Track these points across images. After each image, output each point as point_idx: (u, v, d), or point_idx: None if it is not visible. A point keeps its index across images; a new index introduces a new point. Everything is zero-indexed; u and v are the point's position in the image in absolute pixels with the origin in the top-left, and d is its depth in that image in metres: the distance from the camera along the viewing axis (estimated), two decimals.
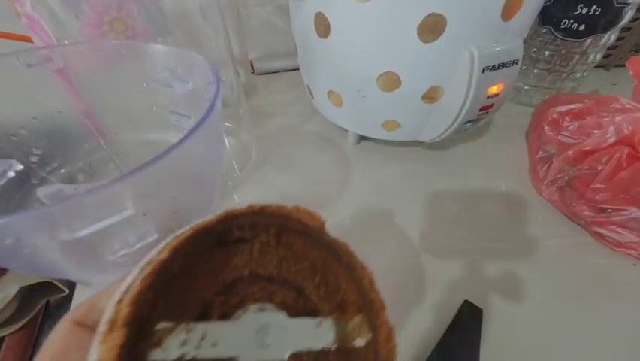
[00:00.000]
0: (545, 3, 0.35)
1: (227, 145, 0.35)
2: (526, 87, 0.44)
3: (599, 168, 0.26)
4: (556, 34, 0.37)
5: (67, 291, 0.42)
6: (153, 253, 0.11)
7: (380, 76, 0.27)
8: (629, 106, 0.29)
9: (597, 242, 0.27)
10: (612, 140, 0.26)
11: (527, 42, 0.40)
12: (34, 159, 0.22)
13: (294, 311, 0.12)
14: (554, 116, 0.32)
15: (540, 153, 0.32)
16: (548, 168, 0.30)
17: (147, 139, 0.26)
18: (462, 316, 0.22)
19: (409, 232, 0.28)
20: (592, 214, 0.26)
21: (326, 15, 0.26)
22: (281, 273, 0.13)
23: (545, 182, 0.30)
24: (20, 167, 0.19)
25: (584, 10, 0.34)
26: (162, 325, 0.10)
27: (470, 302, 0.22)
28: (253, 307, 0.12)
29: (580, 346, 0.21)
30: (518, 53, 0.26)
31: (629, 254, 0.26)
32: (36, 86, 0.22)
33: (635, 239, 0.25)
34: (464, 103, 0.26)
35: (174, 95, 0.22)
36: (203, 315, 0.11)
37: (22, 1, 0.23)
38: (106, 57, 0.23)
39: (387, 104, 0.29)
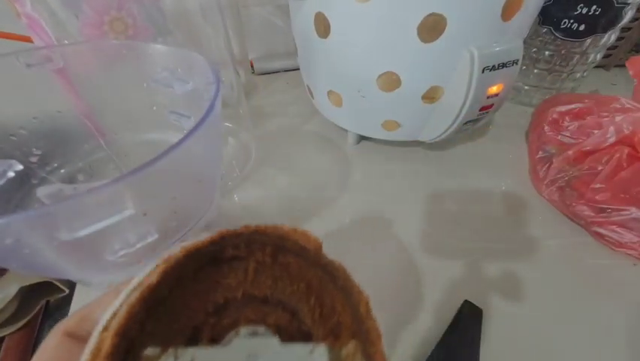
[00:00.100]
0: (545, 3, 0.35)
1: (227, 145, 0.35)
2: (526, 87, 0.44)
3: (599, 168, 0.26)
4: (556, 34, 0.37)
5: (67, 291, 0.42)
6: (142, 275, 0.10)
7: (380, 76, 0.27)
8: (629, 106, 0.29)
9: (597, 242, 0.27)
10: (612, 140, 0.27)
11: (527, 42, 0.40)
12: (34, 159, 0.22)
13: (287, 334, 0.12)
14: (554, 116, 0.32)
15: (540, 153, 0.32)
16: (548, 168, 0.30)
17: (147, 139, 0.26)
18: (462, 316, 0.22)
19: (409, 231, 0.28)
20: (592, 214, 0.26)
21: (326, 15, 0.26)
22: (275, 294, 0.12)
23: (545, 182, 0.30)
24: (20, 167, 0.19)
25: (584, 10, 0.34)
26: (150, 350, 0.10)
27: (470, 302, 0.22)
28: (245, 330, 0.12)
29: (580, 346, 0.21)
30: (518, 53, 0.26)
31: (629, 254, 0.26)
32: (36, 86, 0.22)
33: (635, 239, 0.25)
34: (464, 103, 0.26)
35: (174, 95, 0.22)
36: (193, 338, 0.11)
37: (22, 1, 0.23)
38: (106, 57, 0.23)
39: (387, 104, 0.29)
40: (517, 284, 0.24)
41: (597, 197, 0.26)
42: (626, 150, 0.26)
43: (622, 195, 0.25)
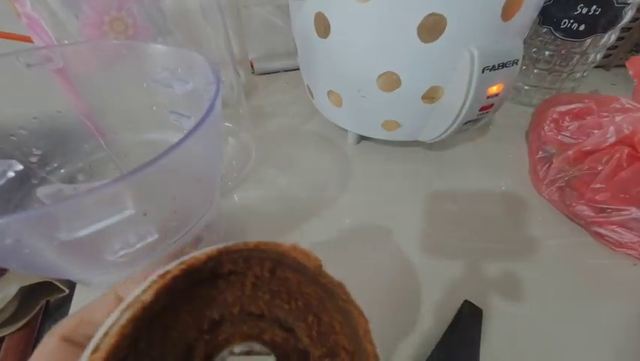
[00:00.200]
0: (545, 3, 0.35)
1: (227, 145, 0.35)
2: (526, 87, 0.44)
3: (599, 168, 0.26)
4: (556, 34, 0.37)
5: (67, 291, 0.42)
6: (137, 291, 0.10)
7: (380, 76, 0.27)
8: (629, 106, 0.29)
9: (597, 242, 0.27)
10: (612, 140, 0.27)
11: (527, 42, 0.40)
12: (34, 159, 0.22)
13: (283, 352, 0.12)
14: (554, 116, 0.32)
15: (540, 153, 0.32)
16: (548, 168, 0.30)
17: (147, 139, 0.26)
18: (462, 316, 0.22)
19: (409, 232, 0.28)
20: (592, 214, 0.26)
21: (326, 15, 0.26)
22: (273, 310, 0.12)
23: (545, 182, 0.30)
24: (20, 167, 0.19)
25: (584, 10, 0.34)
26: None
27: (470, 302, 0.22)
28: (240, 347, 0.12)
29: (580, 346, 0.21)
30: (518, 53, 0.26)
31: (629, 254, 0.26)
32: (36, 86, 0.22)
33: (635, 239, 0.25)
34: (464, 103, 0.26)
35: (174, 95, 0.22)
36: (187, 356, 0.11)
37: (22, 1, 0.23)
38: (106, 57, 0.23)
39: (387, 104, 0.29)
40: (517, 284, 0.24)
41: (597, 197, 0.26)
42: (626, 150, 0.26)
43: (622, 195, 0.25)
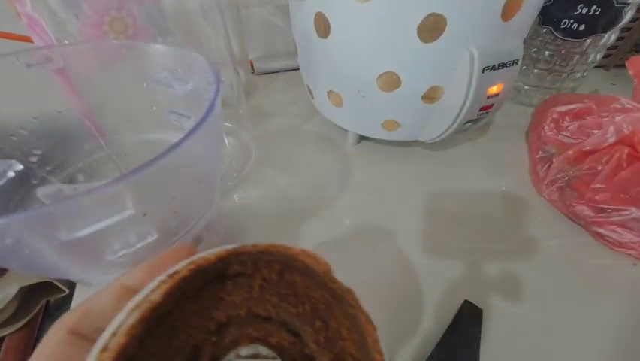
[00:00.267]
0: (545, 3, 0.35)
1: (227, 145, 0.35)
2: (526, 87, 0.44)
3: (599, 168, 0.27)
4: (556, 34, 0.37)
5: (67, 291, 0.42)
6: (145, 291, 0.10)
7: (380, 76, 0.27)
8: (629, 106, 0.29)
9: (597, 242, 0.27)
10: (612, 140, 0.27)
11: (527, 42, 0.40)
12: (34, 159, 0.22)
13: (289, 356, 0.12)
14: (554, 116, 0.32)
15: (540, 153, 0.32)
16: (548, 168, 0.30)
17: (147, 139, 0.26)
18: (462, 316, 0.22)
19: (409, 231, 0.28)
20: (592, 214, 0.26)
21: (326, 15, 0.26)
22: (280, 313, 0.12)
23: (545, 182, 0.30)
24: (20, 167, 0.19)
25: (584, 10, 0.34)
26: None
27: (470, 302, 0.22)
28: (246, 350, 0.12)
29: (580, 346, 0.21)
30: (518, 53, 0.26)
31: (629, 254, 0.26)
32: (36, 86, 0.22)
33: (635, 239, 0.25)
34: (464, 103, 0.26)
35: (174, 95, 0.22)
36: (194, 357, 0.11)
37: (22, 1, 0.23)
38: (106, 57, 0.23)
39: (387, 104, 0.29)
40: (517, 284, 0.24)
41: (597, 197, 0.26)
42: (626, 150, 0.26)
43: (622, 195, 0.25)
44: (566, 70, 0.40)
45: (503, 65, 0.25)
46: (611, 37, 0.37)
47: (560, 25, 0.36)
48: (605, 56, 0.45)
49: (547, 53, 0.40)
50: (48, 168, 0.22)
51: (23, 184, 0.21)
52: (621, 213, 0.25)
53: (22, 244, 0.12)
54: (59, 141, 0.23)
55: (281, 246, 0.11)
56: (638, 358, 0.21)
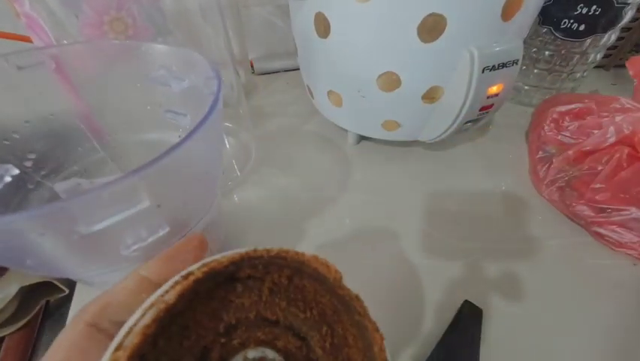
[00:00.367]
0: (545, 3, 0.35)
1: (227, 145, 0.35)
2: (526, 87, 0.44)
3: (599, 168, 0.27)
4: (556, 34, 0.37)
5: (67, 291, 0.42)
6: (160, 291, 0.10)
7: (380, 76, 0.27)
8: (629, 106, 0.29)
9: (597, 242, 0.27)
10: (612, 140, 0.27)
11: (527, 42, 0.40)
12: (28, 164, 0.21)
13: (295, 360, 0.12)
14: (554, 116, 0.32)
15: (540, 153, 0.32)
16: (548, 168, 0.30)
17: (142, 139, 0.26)
18: (462, 316, 0.22)
19: (409, 231, 0.28)
20: (592, 214, 0.26)
21: (326, 15, 0.26)
22: (288, 317, 0.12)
23: (545, 182, 0.30)
24: (17, 171, 0.19)
25: (584, 10, 0.34)
26: None
27: (470, 302, 0.22)
28: (253, 352, 0.12)
29: (580, 346, 0.21)
30: (518, 53, 0.26)
31: (629, 254, 0.26)
32: (28, 89, 0.22)
33: (635, 239, 0.25)
34: (464, 103, 0.26)
35: (170, 94, 0.22)
36: (203, 358, 0.11)
37: (20, 1, 0.23)
38: (106, 57, 0.23)
39: (387, 104, 0.29)
40: (517, 284, 0.24)
41: (597, 197, 0.26)
42: (626, 150, 0.26)
43: (622, 195, 0.25)
44: (566, 70, 0.40)
45: (503, 65, 0.25)
46: (611, 37, 0.37)
47: (560, 25, 0.36)
48: (605, 56, 0.45)
49: (547, 53, 0.40)
50: (43, 172, 0.22)
51: (20, 189, 0.20)
52: (621, 213, 0.25)
53: (44, 239, 0.12)
54: (53, 145, 0.23)
55: (292, 251, 0.11)
56: (638, 358, 0.21)
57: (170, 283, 0.10)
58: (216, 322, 0.12)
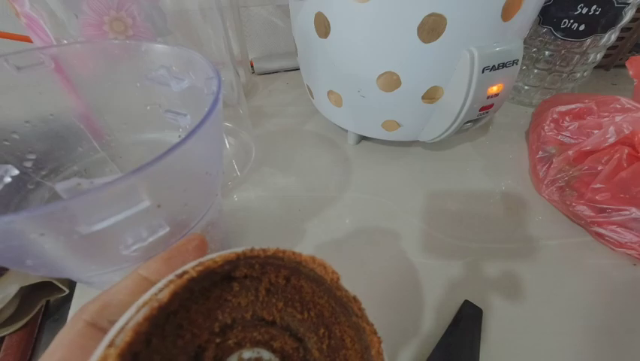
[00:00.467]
0: (545, 3, 0.35)
1: (227, 145, 0.35)
2: (526, 87, 0.44)
3: (599, 168, 0.27)
4: (557, 34, 0.37)
5: (67, 291, 0.42)
6: (153, 290, 0.10)
7: (380, 76, 0.27)
8: (629, 106, 0.29)
9: (597, 242, 0.27)
10: (612, 140, 0.27)
11: (527, 42, 0.40)
12: (28, 164, 0.21)
13: None
14: (554, 116, 0.32)
15: (540, 153, 0.32)
16: (548, 168, 0.30)
17: (143, 139, 0.26)
18: (462, 316, 0.22)
19: (409, 231, 0.28)
20: (592, 214, 0.26)
21: (326, 15, 0.26)
22: (284, 318, 0.12)
23: (545, 182, 0.30)
24: (17, 172, 0.19)
25: (584, 10, 0.34)
26: None
27: (470, 302, 0.22)
28: (249, 353, 0.12)
29: (579, 346, 0.21)
30: (518, 53, 0.26)
31: (629, 254, 0.26)
32: (27, 89, 0.22)
33: (635, 239, 0.25)
34: (464, 103, 0.26)
35: (170, 93, 0.22)
36: (197, 357, 0.11)
37: (20, 1, 0.23)
38: (106, 57, 0.23)
39: (387, 104, 0.29)
40: (517, 284, 0.24)
41: (597, 197, 0.26)
42: (626, 150, 0.26)
43: (622, 195, 0.25)
44: (566, 70, 0.40)
45: (503, 65, 0.25)
46: (611, 37, 0.37)
47: (560, 25, 0.36)
48: (605, 56, 0.45)
49: (547, 53, 0.40)
50: (43, 172, 0.22)
51: (19, 189, 0.20)
52: (621, 213, 0.25)
53: (44, 239, 0.12)
54: (53, 145, 0.23)
55: (289, 252, 0.11)
56: (638, 358, 0.21)
57: (165, 281, 0.10)
58: (211, 321, 0.12)
